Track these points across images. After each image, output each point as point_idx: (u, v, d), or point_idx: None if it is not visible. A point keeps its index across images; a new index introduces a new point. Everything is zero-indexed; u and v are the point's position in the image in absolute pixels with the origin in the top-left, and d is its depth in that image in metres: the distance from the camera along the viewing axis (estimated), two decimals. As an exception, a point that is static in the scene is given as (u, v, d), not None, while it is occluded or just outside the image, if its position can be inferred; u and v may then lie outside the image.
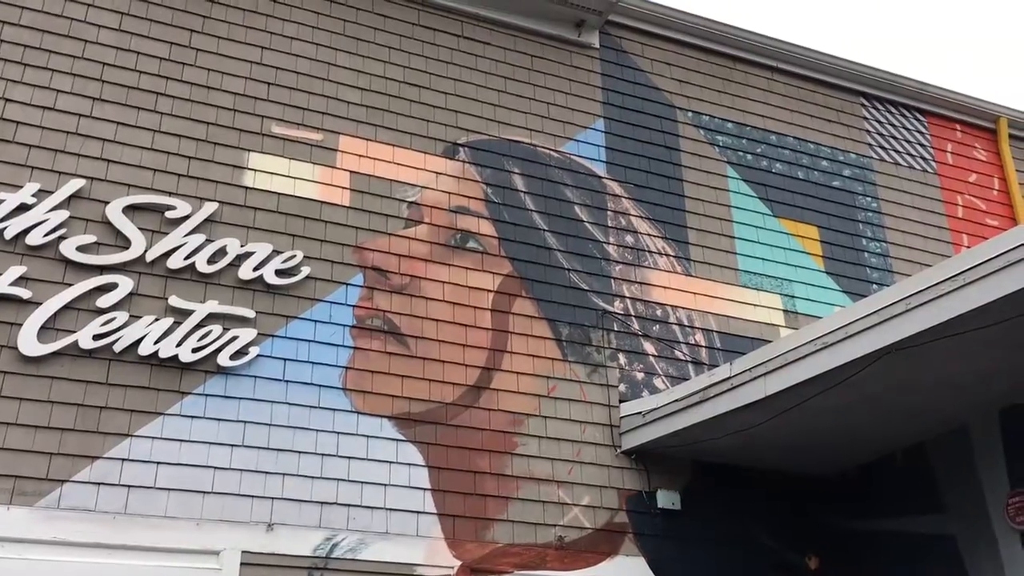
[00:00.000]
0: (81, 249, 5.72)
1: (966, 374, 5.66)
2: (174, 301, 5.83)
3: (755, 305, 7.68)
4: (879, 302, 5.33)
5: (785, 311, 7.76)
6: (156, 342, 5.68)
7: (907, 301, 5.15)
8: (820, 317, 6.85)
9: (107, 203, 5.91)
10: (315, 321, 6.19)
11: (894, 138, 9.07)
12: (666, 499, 6.68)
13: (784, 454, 6.87)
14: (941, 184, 9.06)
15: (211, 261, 6.01)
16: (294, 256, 6.23)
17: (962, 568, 6.10)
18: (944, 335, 5.09)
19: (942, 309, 5.00)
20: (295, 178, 6.52)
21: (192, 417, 5.67)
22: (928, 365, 5.50)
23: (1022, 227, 5.00)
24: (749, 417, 6.07)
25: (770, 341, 6.75)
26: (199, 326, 5.82)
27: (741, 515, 6.88)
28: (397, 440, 6.12)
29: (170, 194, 6.11)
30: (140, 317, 5.72)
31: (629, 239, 7.49)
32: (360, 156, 6.79)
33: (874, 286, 7.91)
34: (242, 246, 6.13)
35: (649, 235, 7.59)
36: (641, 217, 7.62)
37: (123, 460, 5.43)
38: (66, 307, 5.57)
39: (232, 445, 5.70)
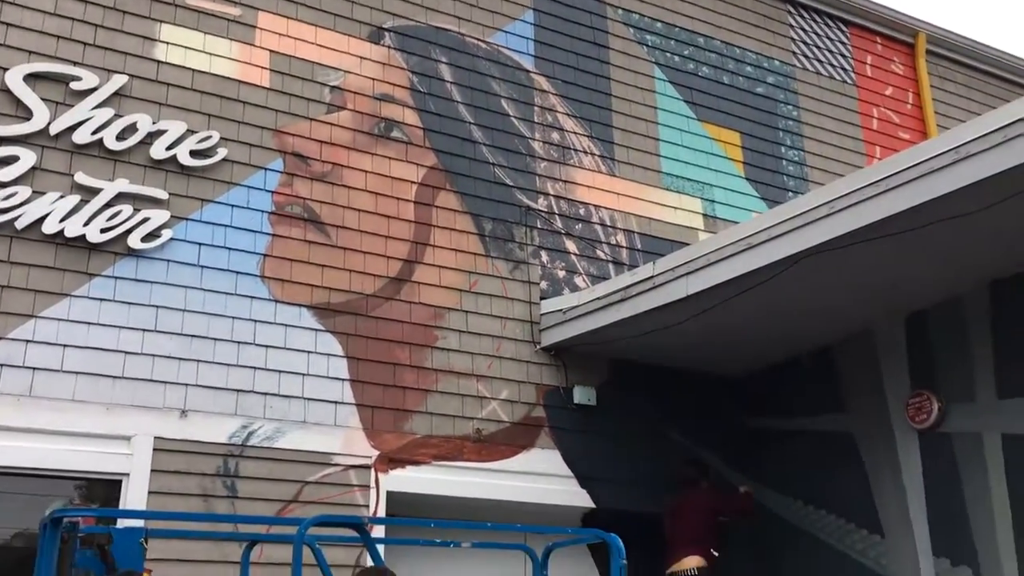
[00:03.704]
0: (-23, 118, 5.35)
1: (877, 280, 5.83)
2: (80, 178, 5.52)
3: (676, 208, 7.73)
4: (802, 205, 5.41)
5: (705, 215, 7.84)
6: (61, 220, 5.39)
7: (830, 205, 5.24)
8: (738, 222, 6.93)
9: (6, 70, 5.51)
10: (232, 206, 5.97)
11: (817, 47, 9.13)
12: (582, 395, 6.78)
13: (697, 354, 7.02)
14: (859, 96, 9.20)
15: (120, 138, 5.69)
16: (210, 137, 5.95)
17: (860, 464, 6.39)
18: (862, 239, 5.20)
19: (862, 214, 5.10)
20: (211, 54, 6.19)
21: (101, 300, 5.44)
22: (843, 269, 5.64)
23: (941, 137, 5.10)
24: (668, 316, 6.15)
25: (689, 244, 6.82)
26: (108, 205, 5.54)
27: (653, 412, 7.04)
28: (316, 330, 6.01)
29: (75, 64, 5.72)
30: (44, 193, 5.41)
31: (555, 136, 7.40)
32: (280, 35, 6.47)
33: (790, 193, 8.04)
34: (154, 123, 5.81)
35: (575, 133, 7.51)
36: (567, 115, 7.52)
37: (27, 342, 5.20)
38: (-38, 179, 5.23)
39: (144, 330, 5.50)
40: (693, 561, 6.29)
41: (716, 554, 6.35)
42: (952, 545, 5.72)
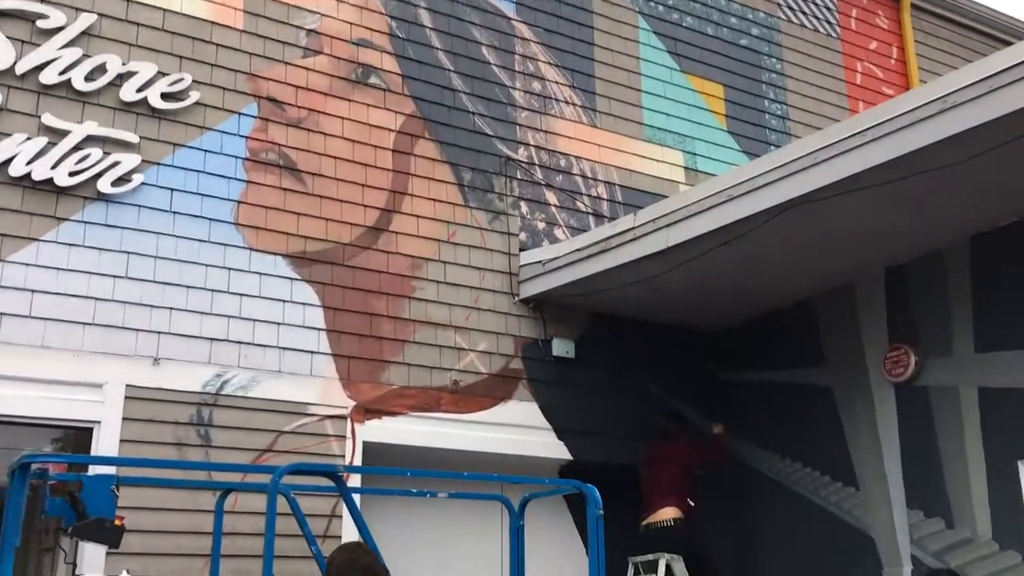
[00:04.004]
0: (-60, 56, 5.18)
1: (858, 233, 5.80)
2: (48, 119, 5.37)
3: (657, 160, 7.65)
4: (785, 156, 5.35)
5: (686, 168, 7.77)
6: (28, 163, 5.24)
7: (813, 156, 5.18)
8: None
9: (-31, 6, 5.33)
10: (205, 151, 5.83)
11: (803, 0, 9.01)
12: (561, 347, 6.74)
13: (676, 308, 6.99)
14: (843, 50, 9.11)
15: (89, 79, 5.53)
16: (182, 79, 5.80)
17: (836, 417, 6.41)
18: (845, 191, 5.16)
19: (845, 165, 5.05)
20: (182, -6, 6.01)
21: (70, 245, 5.32)
22: (823, 222, 5.60)
23: (925, 87, 5.04)
24: (648, 268, 6.11)
25: (669, 197, 6.75)
26: (76, 148, 5.40)
27: (631, 365, 7.03)
28: (292, 279, 5.92)
29: (42, 1, 5.53)
30: (10, 135, 5.26)
31: (536, 86, 7.28)
32: (254, -25, 6.30)
33: (772, 147, 7.96)
34: (124, 64, 5.65)
35: (556, 83, 7.39)
36: (549, 64, 7.40)
37: (-6, 287, 5.08)
38: (-76, 119, 5.08)
39: (115, 276, 5.39)
40: (669, 512, 6.30)
41: (692, 504, 6.38)
42: (926, 497, 5.76)
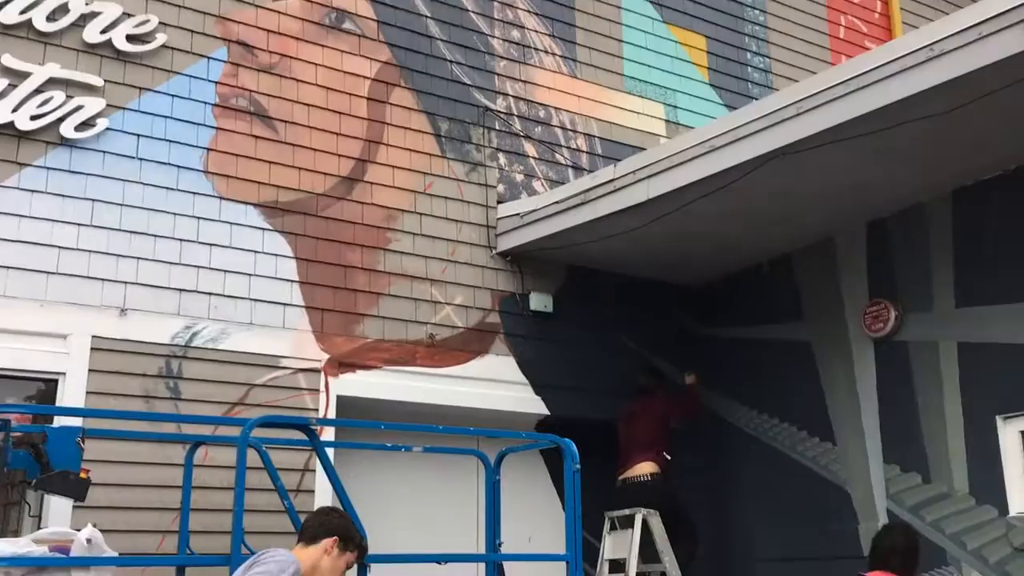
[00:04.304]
0: None
1: (840, 186, 5.71)
2: (8, 60, 5.16)
3: (638, 113, 7.52)
4: (769, 105, 5.23)
5: (667, 121, 7.65)
6: (-12, 105, 5.05)
7: (798, 105, 5.07)
8: (701, 128, 6.75)
9: (-78, -60, 5.10)
10: (172, 96, 5.65)
11: (787, -49, 8.85)
12: (538, 301, 6.65)
13: (656, 262, 6.91)
14: (827, 3, 8.97)
15: (51, 19, 5.32)
16: (148, 21, 5.59)
17: (815, 373, 6.38)
18: (829, 141, 5.06)
19: (831, 114, 4.94)
20: (148, -69, 5.78)
21: (32, 191, 5.14)
22: (806, 175, 5.51)
23: (913, 34, 4.93)
24: (628, 221, 6.01)
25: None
26: (38, 91, 5.20)
27: (610, 320, 6.96)
28: (263, 229, 5.77)
29: (-1, -64, 5.30)
30: (-33, 76, 5.06)
31: (515, 34, 7.11)
32: (224, -87, 6.07)
33: (754, 101, 7.82)
34: (87, 4, 5.44)
35: (536, 32, 7.22)
36: (529, 12, 7.22)
37: (-47, 234, 4.91)
38: None
39: (79, 224, 5.23)
40: (646, 467, 6.27)
41: (669, 459, 6.34)
42: (903, 452, 5.74)
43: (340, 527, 3.69)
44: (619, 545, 6.14)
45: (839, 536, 6.00)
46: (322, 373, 5.76)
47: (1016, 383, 5.18)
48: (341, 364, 5.84)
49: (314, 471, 5.49)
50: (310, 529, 3.68)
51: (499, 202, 6.68)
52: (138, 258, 5.34)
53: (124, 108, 5.47)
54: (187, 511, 4.75)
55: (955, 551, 5.34)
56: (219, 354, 5.44)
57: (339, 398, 5.79)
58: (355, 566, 4.13)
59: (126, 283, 5.28)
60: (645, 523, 6.03)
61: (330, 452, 5.16)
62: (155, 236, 5.42)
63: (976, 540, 5.24)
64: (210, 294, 5.51)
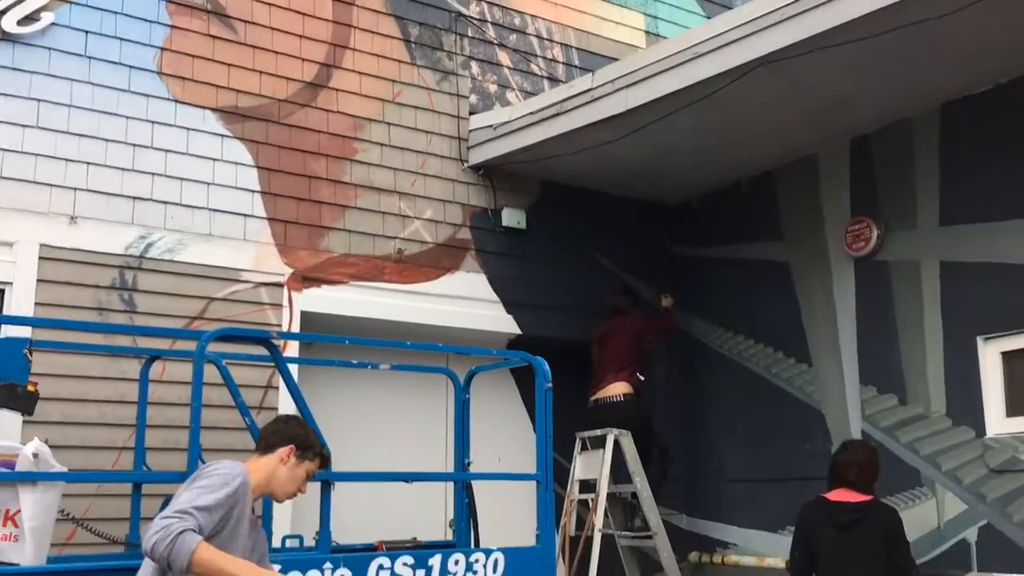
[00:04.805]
0: None
1: (826, 97, 5.49)
2: (-60, -53, 4.79)
3: (617, 23, 7.22)
4: (755, 10, 4.96)
5: (647, 32, 7.35)
6: (-81, -6, 4.69)
7: (783, 11, 4.81)
8: (682, 40, 6.47)
9: None
10: (123, -10, 5.29)
11: None
12: (511, 217, 6.44)
13: (632, 180, 6.71)
14: (815, -86, 8.61)
15: (-13, -99, 4.93)
16: (95, -94, 5.21)
17: (792, 293, 6.24)
18: (816, 47, 4.82)
19: (816, 20, 4.69)
20: None
21: (-29, 90, 4.82)
22: (791, 86, 5.30)
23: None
24: (606, 133, 5.78)
25: (629, 62, 6.37)
26: (-25, -19, 4.84)
27: (584, 238, 6.77)
28: (222, 135, 5.48)
29: None
30: None
31: (489, -65, 6.74)
32: None
33: (737, 6, 7.54)
34: None
35: (511, -67, 6.85)
36: (504, -88, 6.85)
37: None
38: None
39: (23, 126, 4.92)
40: (619, 388, 6.15)
41: (642, 380, 6.23)
42: (880, 373, 5.65)
43: (298, 435, 3.44)
44: (590, 466, 6.04)
45: (811, 457, 5.93)
46: (285, 288, 5.54)
47: (998, 303, 5.07)
48: (305, 279, 5.61)
49: (277, 388, 5.31)
50: (266, 437, 3.45)
51: (471, 113, 6.41)
52: (88, 163, 5.04)
53: (71, 2, 5.12)
54: (143, 427, 4.55)
55: (930, 472, 5.29)
56: (176, 266, 5.20)
57: (303, 314, 5.58)
58: (323, 487, 3.99)
59: (75, 189, 4.99)
60: (617, 443, 5.93)
61: (293, 370, 4.98)
62: (106, 140, 5.12)
63: (951, 461, 5.18)
64: (166, 203, 5.24)
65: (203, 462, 3.80)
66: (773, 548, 6.13)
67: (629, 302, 6.50)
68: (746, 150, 6.22)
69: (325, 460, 3.56)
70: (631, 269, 6.92)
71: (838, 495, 4.56)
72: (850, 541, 4.44)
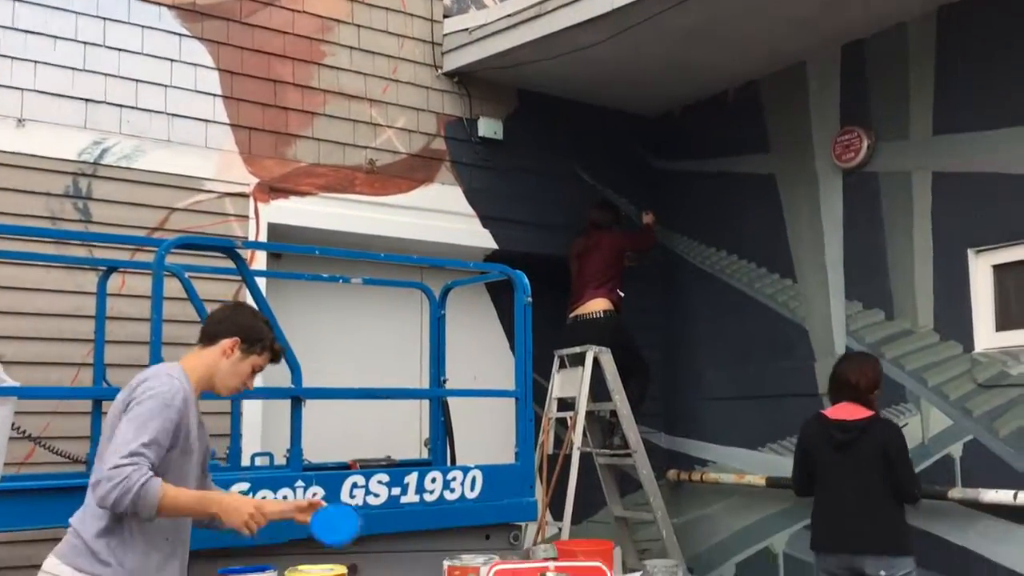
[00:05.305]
0: None
1: (815, 1, 5.23)
2: None
3: (598, -77, 6.84)
4: (750, -98, 4.68)
5: (629, -67, 6.98)
6: None
7: (780, -98, 4.54)
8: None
9: None
10: None
11: None
12: (488, 127, 6.16)
13: (614, 89, 6.44)
14: None
15: None
16: None
17: (778, 207, 6.06)
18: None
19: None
20: None
21: (-97, -22, 4.43)
22: (785, -14, 5.04)
23: None
24: (588, 35, 5.48)
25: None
26: None
27: (563, 151, 6.52)
28: (180, 35, 5.13)
29: None
30: None
31: None
32: None
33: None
34: None
35: None
36: None
37: None
38: None
39: (-38, 20, 4.56)
40: (599, 304, 5.99)
41: (622, 296, 6.06)
42: (867, 288, 5.51)
43: (244, 325, 3.08)
44: (568, 383, 5.91)
45: (794, 373, 5.83)
46: (251, 198, 5.27)
47: (991, 215, 4.91)
48: (272, 189, 5.34)
49: (244, 303, 5.06)
50: (209, 327, 3.10)
51: (445, 16, 6.09)
52: (35, 61, 4.70)
53: None
54: (102, 342, 4.33)
55: (915, 388, 5.19)
56: (134, 173, 4.90)
57: (271, 226, 5.33)
58: (293, 403, 3.80)
59: (23, 89, 4.65)
60: (596, 361, 5.78)
61: (261, 284, 4.75)
62: (55, 37, 4.76)
63: (938, 377, 5.08)
64: (121, 106, 4.91)
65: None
66: (753, 465, 6.06)
67: (609, 217, 6.30)
68: (732, 57, 5.95)
69: (276, 354, 3.17)
70: (611, 183, 6.70)
71: (837, 412, 4.46)
72: (848, 461, 4.35)
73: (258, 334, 3.09)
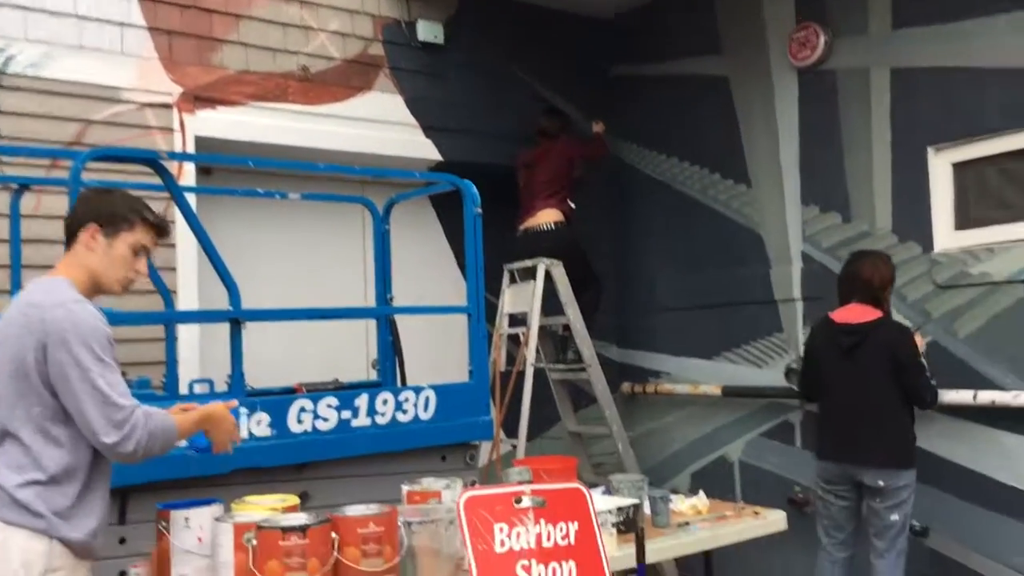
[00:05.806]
0: None
1: None
2: None
3: None
4: None
5: None
6: None
7: None
8: None
9: None
10: None
11: None
12: (428, 31, 5.81)
13: (559, -11, 6.13)
14: None
15: None
16: None
17: (731, 111, 5.86)
18: None
19: None
20: None
21: None
22: None
23: None
24: (532, -72, 5.15)
25: None
26: None
27: (509, 54, 6.21)
28: (86, -71, 4.67)
29: None
30: None
31: None
32: None
33: None
34: None
35: None
36: None
37: None
38: None
39: None
40: (550, 215, 5.76)
41: (573, 206, 5.85)
42: (823, 192, 5.37)
43: (96, 206, 2.65)
44: (520, 298, 5.72)
45: (749, 281, 5.71)
46: (175, 109, 4.89)
47: (952, 111, 4.76)
48: (197, 99, 4.96)
49: (173, 223, 4.73)
50: (67, 228, 2.67)
51: (378, -91, 5.68)
52: (-78, -42, 4.23)
53: None
54: (18, 268, 3.99)
55: (873, 291, 5.09)
56: (42, 83, 4.49)
57: (198, 139, 4.96)
58: (232, 325, 3.53)
59: (-91, -7, 4.20)
60: (548, 274, 5.59)
61: (191, 200, 4.43)
62: (-58, -69, 4.29)
63: (897, 278, 4.98)
64: (24, 8, 4.47)
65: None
66: (708, 375, 5.98)
67: (558, 125, 6.02)
68: (684, -49, 5.68)
69: (155, 226, 2.72)
70: (560, 89, 6.42)
71: (843, 314, 4.35)
72: (854, 366, 4.24)
73: (117, 209, 2.66)
